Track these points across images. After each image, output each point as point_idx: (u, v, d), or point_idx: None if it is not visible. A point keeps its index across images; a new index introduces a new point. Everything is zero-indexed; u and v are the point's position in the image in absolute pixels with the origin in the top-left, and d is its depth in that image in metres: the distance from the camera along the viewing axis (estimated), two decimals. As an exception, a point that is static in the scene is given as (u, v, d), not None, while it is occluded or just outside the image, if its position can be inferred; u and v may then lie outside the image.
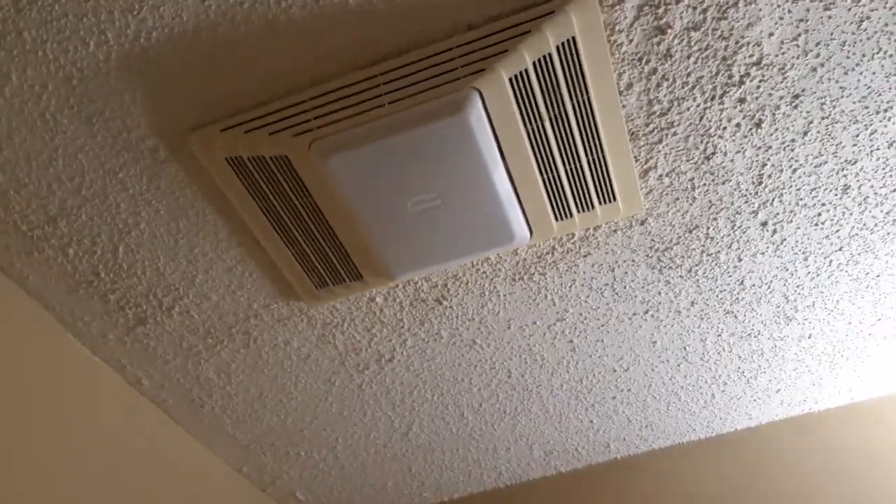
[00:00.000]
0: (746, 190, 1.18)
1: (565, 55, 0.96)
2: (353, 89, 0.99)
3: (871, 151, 1.14)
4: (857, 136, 1.12)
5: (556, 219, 1.14)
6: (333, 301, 1.27)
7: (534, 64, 0.96)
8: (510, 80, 0.96)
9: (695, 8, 0.96)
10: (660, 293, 1.34)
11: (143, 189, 1.10)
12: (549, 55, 0.96)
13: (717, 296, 1.35)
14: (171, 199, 1.11)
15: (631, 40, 0.99)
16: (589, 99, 1.01)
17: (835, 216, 1.23)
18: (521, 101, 0.99)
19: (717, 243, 1.26)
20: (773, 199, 1.20)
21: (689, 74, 1.03)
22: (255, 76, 0.99)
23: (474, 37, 0.95)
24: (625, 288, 1.32)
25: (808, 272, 1.32)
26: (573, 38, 0.95)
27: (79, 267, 1.19)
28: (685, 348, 1.45)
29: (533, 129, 1.02)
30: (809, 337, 1.45)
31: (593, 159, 1.08)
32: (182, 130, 1.03)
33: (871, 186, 1.19)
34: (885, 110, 1.09)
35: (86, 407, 1.30)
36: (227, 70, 0.97)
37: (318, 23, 0.94)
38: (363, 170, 1.01)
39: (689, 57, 1.01)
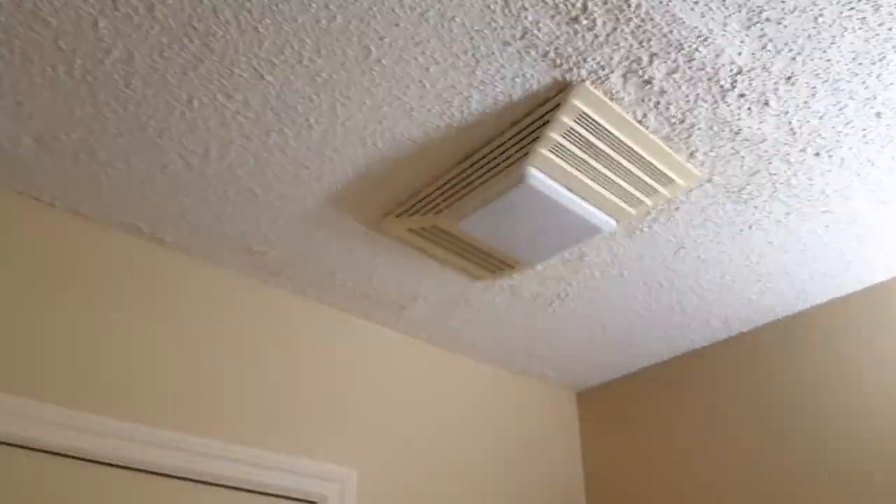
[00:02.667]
0: (785, 140, 1.43)
1: (584, 122, 1.35)
2: (460, 177, 1.51)
3: (886, 87, 1.31)
4: (864, 81, 1.30)
5: (631, 207, 1.54)
6: (509, 277, 1.85)
7: (563, 135, 1.37)
8: (550, 150, 1.39)
9: (665, 62, 1.26)
10: (754, 214, 1.64)
11: (370, 251, 1.78)
12: (572, 128, 1.35)
13: (808, 203, 1.61)
14: (387, 250, 1.78)
15: (629, 93, 1.33)
16: (616, 136, 1.39)
17: (880, 133, 1.41)
18: (564, 159, 1.41)
19: (782, 176, 1.53)
20: (813, 139, 1.43)
21: (687, 96, 1.33)
22: (404, 182, 1.56)
23: (515, 131, 1.39)
24: (721, 218, 1.66)
25: (880, 171, 1.51)
26: (584, 112, 1.34)
27: (355, 291, 1.94)
28: (801, 241, 1.73)
29: (582, 168, 1.43)
30: (916, 210, 1.62)
31: (640, 165, 1.45)
32: (375, 220, 1.67)
33: (905, 106, 1.35)
34: (881, 59, 1.26)
35: (399, 364, 2.11)
36: (387, 184, 1.57)
37: (428, 148, 1.47)
38: (480, 222, 1.54)
39: (679, 87, 1.31)
